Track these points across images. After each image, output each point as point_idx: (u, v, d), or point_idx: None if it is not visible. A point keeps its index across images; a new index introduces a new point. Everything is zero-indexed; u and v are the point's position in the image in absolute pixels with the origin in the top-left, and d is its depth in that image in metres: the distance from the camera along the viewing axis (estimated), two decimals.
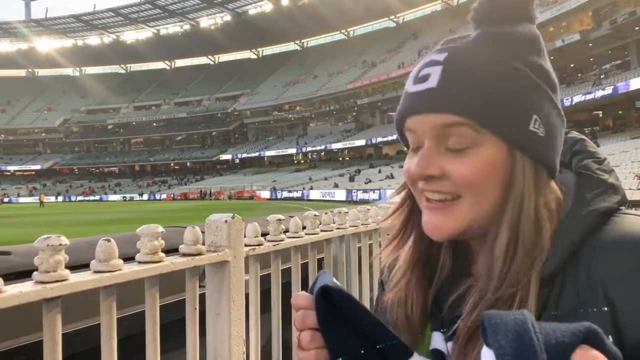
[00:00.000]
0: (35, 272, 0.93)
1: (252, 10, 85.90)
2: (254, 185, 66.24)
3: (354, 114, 76.68)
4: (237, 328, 1.40)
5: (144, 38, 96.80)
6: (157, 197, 72.58)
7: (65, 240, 0.94)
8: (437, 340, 0.82)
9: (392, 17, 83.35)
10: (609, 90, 39.83)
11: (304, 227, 1.86)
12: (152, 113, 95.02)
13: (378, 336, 0.69)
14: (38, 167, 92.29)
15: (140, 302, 1.23)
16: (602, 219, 0.74)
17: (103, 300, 1.06)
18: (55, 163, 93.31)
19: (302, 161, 79.44)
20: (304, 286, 1.81)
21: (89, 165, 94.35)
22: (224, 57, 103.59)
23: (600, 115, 48.57)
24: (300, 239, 1.78)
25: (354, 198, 45.41)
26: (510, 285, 0.73)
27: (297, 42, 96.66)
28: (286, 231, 1.75)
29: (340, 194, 49.28)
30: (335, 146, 71.97)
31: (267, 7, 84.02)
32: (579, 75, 47.98)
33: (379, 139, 63.35)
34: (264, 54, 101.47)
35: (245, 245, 1.47)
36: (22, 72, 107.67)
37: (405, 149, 0.85)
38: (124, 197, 74.60)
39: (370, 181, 52.35)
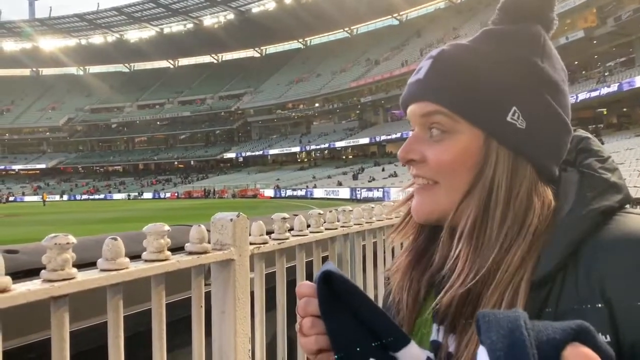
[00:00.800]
0: (43, 271, 0.94)
1: (255, 9, 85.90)
2: (257, 184, 66.29)
3: (358, 112, 76.60)
4: (242, 326, 1.40)
5: (147, 37, 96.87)
6: (162, 195, 72.72)
7: (72, 239, 0.94)
8: (435, 332, 0.82)
9: (395, 15, 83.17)
10: (613, 87, 39.68)
11: (308, 226, 1.87)
12: (155, 112, 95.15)
13: (377, 325, 0.70)
14: (43, 166, 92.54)
15: (146, 300, 1.24)
16: (602, 218, 0.74)
17: (110, 299, 1.07)
18: (59, 162, 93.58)
19: (306, 159, 79.43)
20: None
21: (93, 164, 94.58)
22: (228, 56, 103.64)
23: (605, 113, 48.35)
24: (305, 237, 1.78)
25: (358, 196, 45.38)
26: (474, 279, 0.74)
27: (300, 40, 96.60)
28: (291, 229, 1.75)
29: (344, 192, 49.24)
30: (339, 144, 71.92)
31: (270, 5, 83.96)
32: (583, 72, 47.76)
33: (383, 137, 63.34)
34: (267, 53, 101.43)
35: (251, 244, 1.48)
36: (26, 72, 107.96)
37: None
38: (128, 195, 74.79)
39: (373, 179, 52.30)
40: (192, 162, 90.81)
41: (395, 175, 50.22)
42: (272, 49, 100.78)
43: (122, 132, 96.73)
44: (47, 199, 67.22)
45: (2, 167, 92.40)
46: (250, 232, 1.49)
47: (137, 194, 74.93)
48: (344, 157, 74.70)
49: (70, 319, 0.97)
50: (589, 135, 0.87)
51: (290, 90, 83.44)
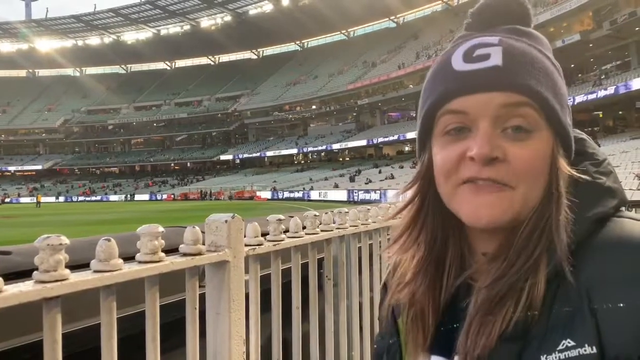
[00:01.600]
0: (35, 272, 0.93)
1: (253, 11, 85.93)
2: (254, 186, 66.22)
3: (355, 114, 76.70)
4: (237, 328, 1.40)
5: (144, 38, 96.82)
6: (158, 197, 72.60)
7: (65, 240, 0.93)
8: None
9: (392, 17, 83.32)
10: (610, 90, 39.85)
11: (304, 227, 1.86)
12: (152, 113, 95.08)
13: None
14: (39, 167, 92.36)
15: (140, 302, 1.23)
16: (594, 226, 0.73)
17: (103, 300, 1.06)
18: (55, 163, 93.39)
19: (303, 161, 79.45)
20: (304, 286, 1.82)
21: (90, 165, 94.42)
22: (225, 58, 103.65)
23: (601, 116, 48.57)
24: (300, 239, 1.77)
25: (355, 198, 45.43)
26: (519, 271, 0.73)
27: (298, 42, 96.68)
28: (286, 231, 1.74)
29: (341, 195, 49.28)
30: (336, 146, 72.01)
31: (268, 7, 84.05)
32: (580, 75, 48.00)
33: (380, 139, 63.39)
34: (264, 54, 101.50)
35: (245, 245, 1.47)
36: (22, 73, 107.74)
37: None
38: (124, 197, 74.65)
39: (370, 181, 52.36)
40: (188, 164, 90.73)
41: (392, 177, 50.30)
42: (269, 50, 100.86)
43: (119, 134, 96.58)
44: (42, 201, 66.89)
45: None
46: (245, 234, 1.48)
47: (133, 195, 74.78)
48: (340, 159, 74.77)
49: (63, 320, 0.96)
50: (585, 137, 0.84)
51: (287, 92, 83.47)
